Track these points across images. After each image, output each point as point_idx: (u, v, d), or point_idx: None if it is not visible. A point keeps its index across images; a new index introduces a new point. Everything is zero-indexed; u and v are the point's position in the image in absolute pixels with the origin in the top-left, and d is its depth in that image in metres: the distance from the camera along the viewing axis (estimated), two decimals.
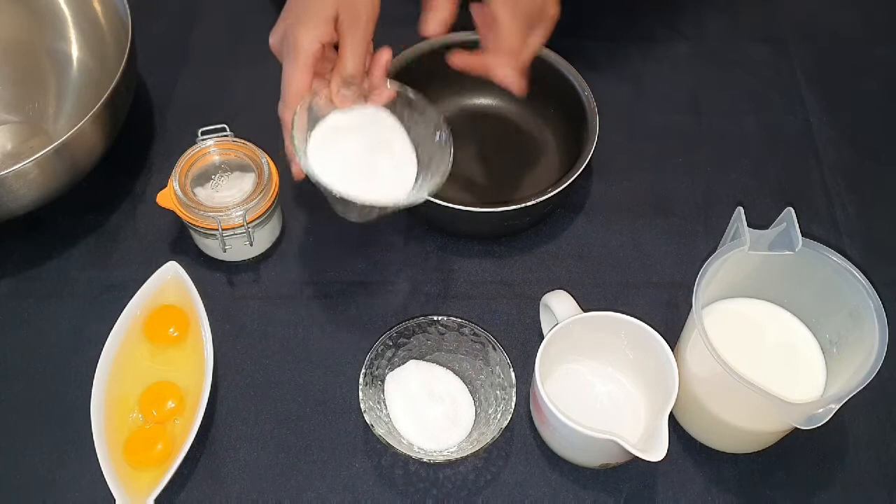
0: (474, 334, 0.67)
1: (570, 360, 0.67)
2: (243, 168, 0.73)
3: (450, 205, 0.70)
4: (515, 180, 0.79)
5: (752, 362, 0.61)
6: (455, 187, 0.73)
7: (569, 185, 0.72)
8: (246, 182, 0.72)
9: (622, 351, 0.66)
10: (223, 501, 0.65)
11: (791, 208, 0.62)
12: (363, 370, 0.65)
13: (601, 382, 0.68)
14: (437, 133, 0.65)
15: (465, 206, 0.70)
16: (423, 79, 0.74)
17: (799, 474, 0.66)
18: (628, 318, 0.64)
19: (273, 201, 0.72)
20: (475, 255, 0.76)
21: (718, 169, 0.83)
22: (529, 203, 0.70)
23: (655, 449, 0.58)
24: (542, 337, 0.71)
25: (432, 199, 0.68)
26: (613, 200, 0.79)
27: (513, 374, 0.65)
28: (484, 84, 0.77)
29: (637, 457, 0.58)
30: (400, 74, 0.75)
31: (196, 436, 0.64)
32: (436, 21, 0.65)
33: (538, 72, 0.76)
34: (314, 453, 0.67)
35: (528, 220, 0.76)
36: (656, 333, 0.63)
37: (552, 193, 0.71)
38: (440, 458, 0.64)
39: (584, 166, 0.72)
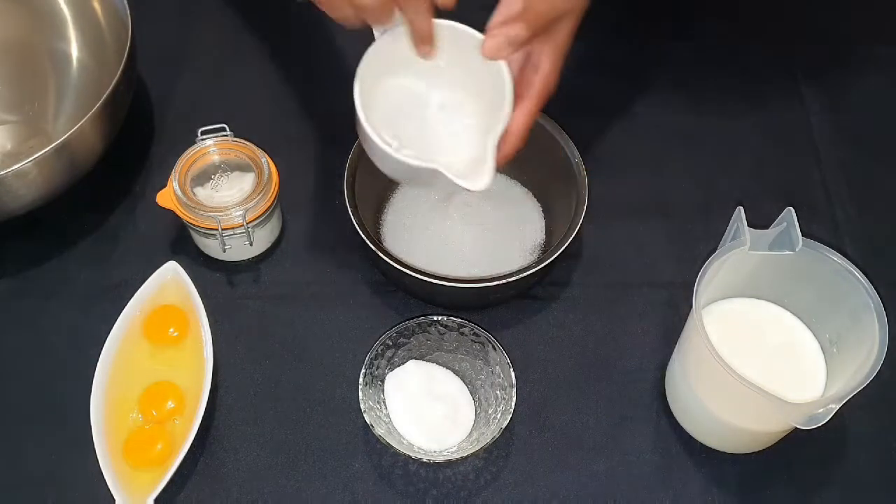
0: (474, 334, 0.67)
1: (401, 74, 0.61)
2: (243, 168, 0.73)
3: (426, 278, 0.66)
4: (502, 248, 0.75)
5: (752, 362, 0.61)
6: (434, 257, 0.72)
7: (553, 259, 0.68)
8: (246, 182, 0.72)
9: (459, 68, 0.60)
10: (223, 501, 0.65)
11: (791, 208, 0.62)
12: (363, 370, 0.65)
13: (434, 104, 0.63)
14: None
15: (444, 278, 0.67)
16: None
17: (799, 474, 0.66)
18: (456, 24, 0.58)
19: (273, 201, 0.72)
20: None
21: (718, 169, 0.83)
22: (512, 279, 0.66)
23: (479, 176, 0.54)
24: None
25: (409, 272, 0.66)
26: (613, 200, 0.79)
27: (513, 374, 0.65)
28: None
29: (462, 185, 0.55)
30: None
31: (196, 436, 0.64)
32: None
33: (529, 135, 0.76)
34: (314, 453, 0.67)
35: (512, 293, 0.72)
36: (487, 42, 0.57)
37: (535, 269, 0.67)
38: (440, 458, 0.64)
39: (570, 240, 0.68)
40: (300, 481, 0.66)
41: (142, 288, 0.70)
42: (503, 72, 0.58)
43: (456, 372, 0.69)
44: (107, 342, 0.67)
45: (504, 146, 0.60)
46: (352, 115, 0.69)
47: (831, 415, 0.55)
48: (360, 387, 0.65)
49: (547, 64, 0.60)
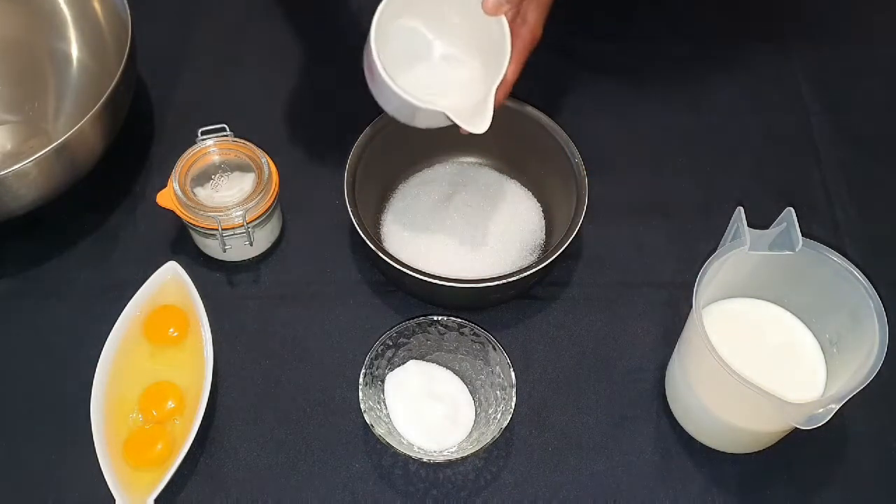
0: (474, 334, 0.67)
1: (413, 19, 0.67)
2: (243, 168, 0.73)
3: (426, 278, 0.67)
4: (502, 248, 0.74)
5: (752, 362, 0.61)
6: (436, 256, 0.73)
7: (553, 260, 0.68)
8: (246, 182, 0.72)
9: (464, 19, 0.66)
10: (223, 501, 0.65)
11: (791, 208, 0.62)
12: (363, 370, 0.65)
13: (438, 51, 0.68)
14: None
15: (444, 278, 0.67)
16: (406, 137, 0.74)
17: (799, 474, 0.66)
18: None
19: (273, 201, 0.72)
20: None
21: (718, 169, 0.83)
22: (512, 279, 0.67)
23: (479, 121, 0.60)
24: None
25: (409, 272, 0.67)
26: (613, 200, 0.79)
27: (513, 374, 0.65)
28: (469, 143, 0.76)
29: (466, 128, 0.60)
30: (386, 131, 0.74)
31: (196, 436, 0.64)
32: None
33: (528, 134, 0.76)
34: (314, 453, 0.67)
35: (512, 293, 0.72)
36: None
37: (535, 269, 0.67)
38: (440, 458, 0.64)
39: (570, 240, 0.69)
40: (300, 481, 0.66)
41: (142, 288, 0.70)
42: (503, 25, 0.64)
43: (456, 372, 0.69)
44: (107, 342, 0.67)
45: (498, 92, 0.65)
46: (348, 111, 0.69)
47: (831, 415, 0.55)
48: (360, 387, 0.65)
49: (532, 17, 0.67)
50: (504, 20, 0.64)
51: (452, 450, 0.65)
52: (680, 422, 0.68)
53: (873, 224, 0.79)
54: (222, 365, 0.70)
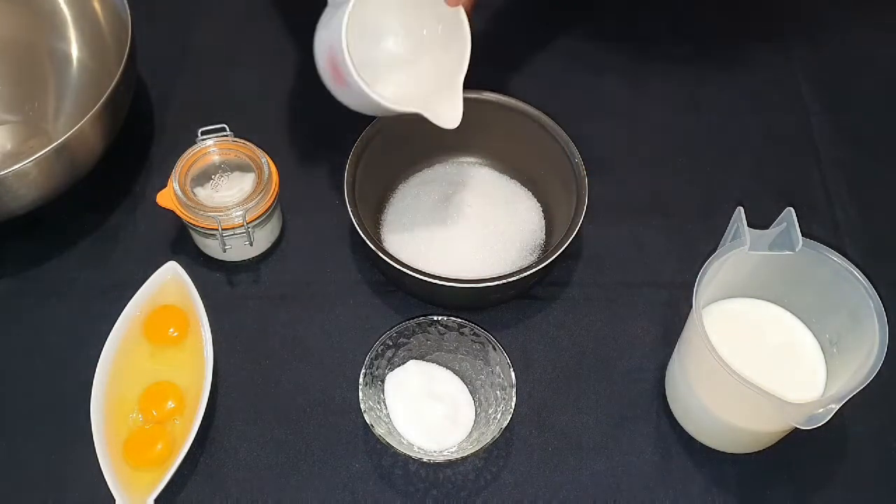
0: (474, 334, 0.67)
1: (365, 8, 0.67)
2: (243, 168, 0.73)
3: (426, 278, 0.67)
4: (502, 248, 0.74)
5: (752, 362, 0.61)
6: (435, 255, 0.73)
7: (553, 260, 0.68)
8: (246, 182, 0.72)
9: (422, 12, 0.68)
10: (223, 501, 0.65)
11: (791, 208, 0.62)
12: (363, 370, 0.65)
13: (394, 40, 0.70)
14: None
15: (444, 278, 0.67)
16: (406, 137, 0.74)
17: (799, 474, 0.66)
18: None
19: (273, 201, 0.72)
20: None
21: (718, 169, 0.83)
22: (512, 279, 0.66)
23: (450, 117, 0.62)
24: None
25: (409, 272, 0.67)
26: (613, 200, 0.79)
27: (513, 374, 0.65)
28: (469, 143, 0.77)
29: (440, 125, 0.62)
30: (386, 131, 0.74)
31: (196, 436, 0.64)
32: None
33: (528, 134, 0.76)
34: (314, 453, 0.67)
35: (512, 293, 0.73)
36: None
37: (535, 269, 0.67)
38: (440, 458, 0.64)
39: (570, 240, 0.68)
40: (300, 481, 0.66)
41: (142, 288, 0.70)
42: (461, 15, 0.64)
43: (456, 372, 0.69)
44: (107, 342, 0.67)
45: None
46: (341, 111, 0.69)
47: (831, 415, 0.55)
48: (360, 387, 0.65)
49: None
50: (462, 11, 0.64)
51: (452, 450, 0.65)
52: (680, 422, 0.68)
53: (873, 224, 0.79)
54: (222, 365, 0.70)
